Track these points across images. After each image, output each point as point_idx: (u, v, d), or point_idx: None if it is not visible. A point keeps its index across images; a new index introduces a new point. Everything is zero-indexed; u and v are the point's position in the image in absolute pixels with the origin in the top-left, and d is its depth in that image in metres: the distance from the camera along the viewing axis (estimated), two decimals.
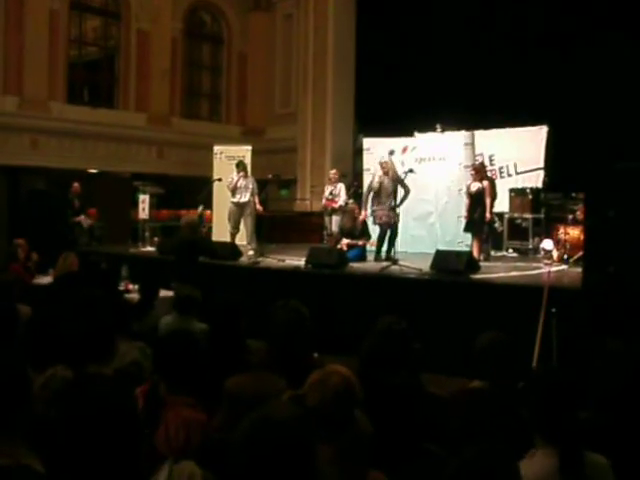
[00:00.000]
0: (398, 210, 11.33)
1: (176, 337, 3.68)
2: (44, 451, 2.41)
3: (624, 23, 13.28)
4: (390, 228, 11.41)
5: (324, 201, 12.99)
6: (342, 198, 12.67)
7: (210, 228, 15.20)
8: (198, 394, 3.33)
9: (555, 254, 11.13)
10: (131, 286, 9.20)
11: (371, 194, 11.66)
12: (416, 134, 13.88)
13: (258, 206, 12.65)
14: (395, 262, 9.87)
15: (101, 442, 2.16)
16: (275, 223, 16.76)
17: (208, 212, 15.06)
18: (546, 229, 12.52)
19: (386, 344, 3.84)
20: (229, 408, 2.99)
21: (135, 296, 7.94)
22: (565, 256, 10.92)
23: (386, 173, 11.48)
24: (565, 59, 13.92)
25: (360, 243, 11.85)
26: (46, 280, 9.15)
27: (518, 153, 13.82)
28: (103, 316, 4.05)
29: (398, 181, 11.38)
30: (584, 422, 3.17)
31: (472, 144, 13.22)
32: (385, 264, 9.79)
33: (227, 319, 4.69)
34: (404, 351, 3.90)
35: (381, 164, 11.69)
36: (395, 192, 11.44)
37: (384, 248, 11.48)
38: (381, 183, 11.46)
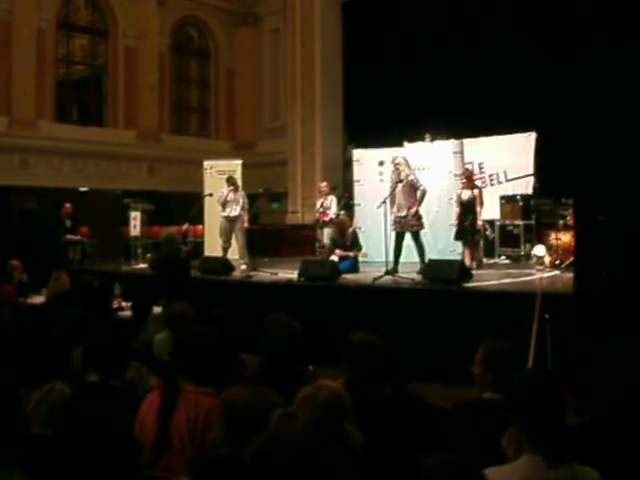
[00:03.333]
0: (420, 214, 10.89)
1: (198, 328, 3.76)
2: (35, 468, 2.39)
3: (610, 29, 13.38)
4: (412, 235, 10.92)
5: (316, 214, 12.98)
6: (333, 210, 12.67)
7: (196, 244, 15.21)
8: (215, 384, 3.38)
9: (547, 260, 11.15)
10: (124, 304, 9.19)
11: (389, 199, 10.67)
12: (405, 144, 13.89)
13: (246, 223, 12.63)
14: (388, 272, 9.86)
15: (96, 460, 2.15)
16: (267, 236, 16.78)
17: (194, 227, 15.09)
18: (537, 235, 12.54)
19: (363, 359, 3.83)
20: (226, 419, 2.99)
21: (128, 313, 7.94)
22: (557, 262, 10.94)
23: (398, 175, 10.89)
24: (552, 66, 14.00)
25: (352, 255, 11.83)
26: (39, 300, 9.14)
27: (508, 160, 13.87)
28: (97, 333, 4.04)
29: (411, 182, 10.83)
30: (578, 428, 3.18)
31: (461, 153, 13.25)
32: (378, 275, 9.77)
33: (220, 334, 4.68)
34: (383, 363, 3.88)
35: (394, 164, 11.12)
36: (411, 193, 10.84)
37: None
38: (396, 184, 10.83)
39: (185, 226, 12.93)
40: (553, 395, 2.82)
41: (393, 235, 10.85)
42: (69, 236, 14.87)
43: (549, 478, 2.63)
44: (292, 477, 1.96)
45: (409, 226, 10.81)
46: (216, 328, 3.73)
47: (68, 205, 15.13)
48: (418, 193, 10.80)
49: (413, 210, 10.77)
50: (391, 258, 10.52)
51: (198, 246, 15.44)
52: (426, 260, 10.61)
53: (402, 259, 10.92)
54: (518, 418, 2.77)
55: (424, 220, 11.11)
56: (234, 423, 2.93)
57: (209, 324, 3.83)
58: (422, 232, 11.10)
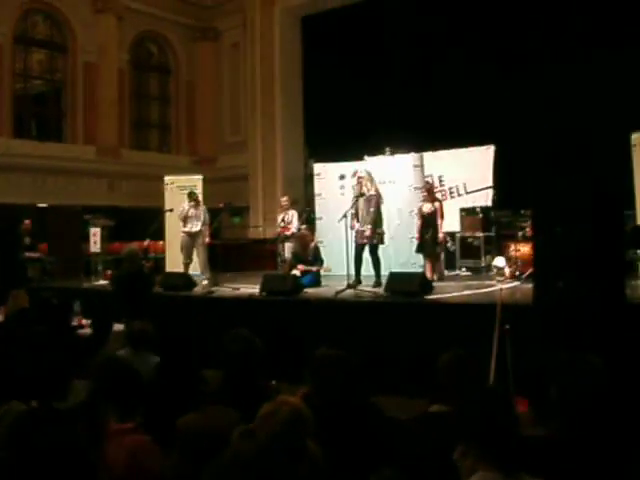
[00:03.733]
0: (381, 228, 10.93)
1: (113, 364, 3.64)
2: None
3: (564, 39, 13.61)
4: (370, 248, 10.90)
5: (278, 228, 12.98)
6: (294, 225, 12.69)
7: (157, 260, 15.13)
8: (143, 419, 3.31)
9: (507, 271, 11.26)
10: (84, 321, 9.07)
11: (350, 212, 10.69)
12: (366, 158, 13.95)
13: (207, 238, 12.60)
14: (350, 286, 9.88)
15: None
16: (229, 251, 16.68)
17: (155, 243, 15.01)
18: (497, 247, 12.68)
19: (327, 373, 3.84)
20: (181, 448, 2.96)
21: (88, 331, 7.85)
22: (517, 273, 11.05)
23: (360, 188, 10.90)
24: (508, 79, 14.18)
25: (314, 269, 11.83)
26: None
27: (467, 173, 14.02)
28: (55, 353, 4.00)
29: (369, 197, 10.84)
30: (536, 439, 3.20)
31: (421, 166, 13.34)
32: (340, 288, 9.79)
33: (179, 350, 4.66)
34: (346, 377, 3.89)
35: (357, 178, 11.17)
36: (374, 208, 10.83)
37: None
38: (357, 199, 10.86)
39: (146, 242, 12.84)
40: (503, 409, 2.83)
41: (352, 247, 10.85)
42: (28, 253, 14.69)
43: None
44: None
45: (368, 239, 10.83)
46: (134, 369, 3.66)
47: (27, 222, 14.96)
48: (371, 209, 10.78)
49: (370, 226, 10.78)
50: (353, 271, 10.54)
51: (159, 262, 15.35)
52: (381, 275, 10.67)
53: (364, 272, 10.95)
54: (469, 434, 2.77)
55: (385, 234, 11.16)
56: (188, 450, 2.90)
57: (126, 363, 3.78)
58: (383, 246, 11.14)
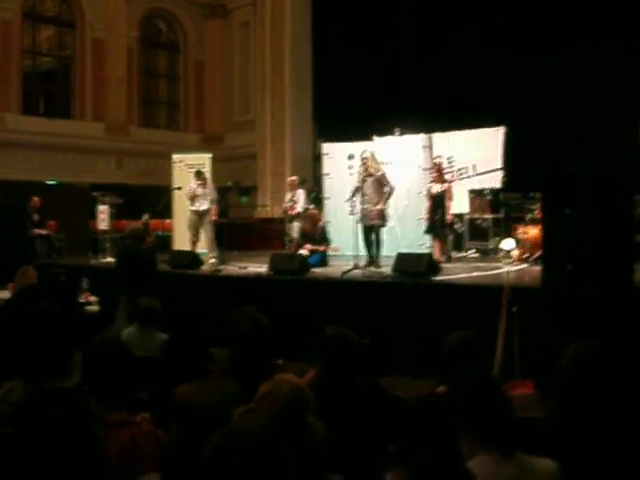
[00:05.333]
0: (386, 209, 10.94)
1: (107, 346, 3.56)
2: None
3: (580, 24, 13.48)
4: (376, 228, 10.91)
5: (284, 206, 12.95)
6: (301, 204, 12.63)
7: (163, 237, 15.15)
8: (133, 405, 3.28)
9: (515, 253, 11.22)
10: (92, 298, 9.11)
11: (357, 193, 10.74)
12: (375, 138, 13.90)
13: (213, 216, 12.58)
14: (357, 266, 9.88)
15: (57, 458, 2.13)
16: (236, 230, 16.71)
17: (161, 221, 15.02)
18: (506, 229, 12.61)
19: (335, 352, 3.85)
20: (178, 418, 2.95)
21: (96, 308, 7.88)
22: (525, 255, 11.02)
23: (366, 169, 10.84)
24: (521, 60, 14.07)
25: (321, 249, 11.81)
26: (5, 295, 9.02)
27: (477, 154, 13.93)
28: (59, 331, 3.99)
29: (380, 178, 10.84)
30: (542, 421, 3.20)
31: (430, 147, 13.30)
32: (347, 268, 9.78)
33: (187, 328, 4.67)
34: (354, 356, 3.90)
35: (362, 159, 11.03)
36: (379, 189, 10.83)
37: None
38: (363, 180, 10.80)
39: (144, 218, 12.72)
40: (489, 392, 2.84)
41: (360, 228, 10.81)
42: (37, 230, 14.70)
43: (506, 474, 2.64)
44: (253, 472, 1.95)
45: (371, 220, 10.81)
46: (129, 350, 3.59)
47: (36, 199, 14.96)
48: (386, 189, 10.81)
49: (379, 207, 10.77)
50: (362, 252, 10.53)
51: (167, 240, 15.36)
52: (380, 255, 10.70)
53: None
54: (463, 418, 2.78)
55: (392, 215, 11.15)
56: (185, 420, 2.89)
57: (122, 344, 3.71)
58: (388, 227, 11.15)
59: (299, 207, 12.61)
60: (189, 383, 3.11)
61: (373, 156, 11.06)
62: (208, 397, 2.89)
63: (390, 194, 10.87)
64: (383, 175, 10.87)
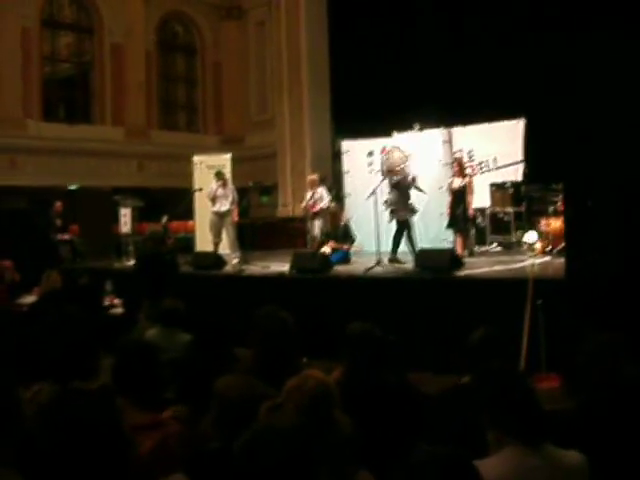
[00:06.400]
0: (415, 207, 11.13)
1: (138, 348, 3.60)
2: (29, 468, 2.39)
3: (598, 13, 13.35)
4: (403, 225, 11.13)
5: (304, 203, 12.95)
6: (325, 200, 12.63)
7: (186, 239, 15.22)
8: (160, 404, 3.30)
9: (538, 246, 11.16)
10: (116, 300, 9.17)
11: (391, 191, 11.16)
12: (394, 134, 13.89)
13: (235, 217, 12.60)
14: (379, 263, 9.87)
15: (86, 458, 2.14)
16: (258, 230, 16.76)
17: (184, 223, 15.08)
18: (528, 222, 12.55)
19: (363, 348, 3.85)
20: (219, 408, 2.98)
21: (120, 310, 7.93)
22: (548, 247, 10.96)
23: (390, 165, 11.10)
24: (540, 51, 13.95)
25: (345, 247, 11.81)
26: (30, 299, 9.11)
27: (497, 147, 13.85)
28: (85, 333, 4.02)
29: (402, 175, 11.01)
30: (568, 413, 3.18)
31: (450, 141, 13.27)
32: (369, 265, 9.77)
33: (211, 328, 4.69)
34: (381, 352, 3.91)
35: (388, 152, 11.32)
36: (405, 187, 11.07)
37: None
38: (391, 179, 11.04)
39: (164, 220, 12.77)
40: (518, 383, 2.82)
41: (386, 224, 10.84)
42: (60, 235, 14.81)
43: (533, 466, 2.62)
44: (282, 468, 1.96)
45: (398, 214, 10.87)
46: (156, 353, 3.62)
47: (59, 204, 15.07)
48: (409, 179, 10.87)
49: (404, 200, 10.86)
50: (387, 248, 10.54)
51: (189, 241, 15.43)
52: (415, 248, 10.73)
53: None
54: (489, 410, 2.76)
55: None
56: (227, 411, 2.92)
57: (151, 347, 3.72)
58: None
59: (323, 203, 12.60)
60: (228, 376, 3.13)
61: (395, 156, 11.16)
62: (249, 390, 2.92)
63: (414, 181, 10.93)
64: (404, 169, 10.93)
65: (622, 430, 3.00)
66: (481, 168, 14.01)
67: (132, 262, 13.47)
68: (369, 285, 9.26)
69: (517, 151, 13.63)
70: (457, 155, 12.69)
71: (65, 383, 3.59)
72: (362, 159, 13.85)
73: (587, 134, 11.96)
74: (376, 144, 13.66)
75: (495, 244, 12.94)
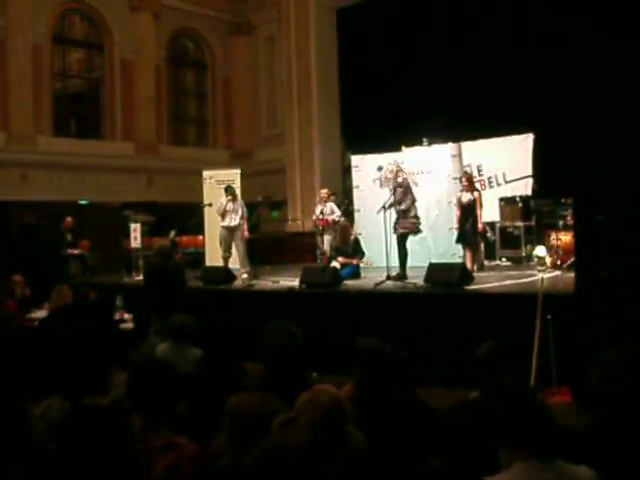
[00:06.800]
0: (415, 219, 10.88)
1: (153, 366, 3.58)
2: None
3: (607, 27, 13.36)
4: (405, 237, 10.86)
5: (313, 217, 12.96)
6: (336, 214, 12.64)
7: (196, 254, 15.25)
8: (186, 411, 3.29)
9: (548, 260, 11.13)
10: (126, 315, 9.19)
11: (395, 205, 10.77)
12: (403, 149, 13.91)
13: (245, 232, 12.62)
14: (389, 277, 9.86)
15: (97, 473, 2.15)
16: (268, 245, 16.77)
17: (194, 237, 15.11)
18: (538, 236, 12.53)
19: (373, 364, 3.85)
20: (232, 426, 2.98)
21: (130, 325, 7.94)
22: (558, 262, 10.93)
23: (395, 179, 10.97)
24: (548, 67, 13.98)
25: (354, 262, 11.81)
26: (41, 314, 9.14)
27: (506, 162, 13.84)
28: (95, 348, 4.03)
29: (403, 186, 10.84)
30: (579, 428, 3.17)
31: (459, 156, 13.27)
32: (379, 280, 9.76)
33: (221, 343, 4.69)
34: (392, 367, 3.91)
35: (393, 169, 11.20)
36: (405, 199, 10.77)
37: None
38: (395, 189, 10.81)
39: (171, 235, 12.79)
40: (528, 398, 2.81)
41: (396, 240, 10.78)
42: (70, 250, 14.86)
43: None
44: None
45: (411, 227, 10.80)
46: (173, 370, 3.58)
47: (69, 219, 15.13)
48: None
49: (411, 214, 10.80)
50: (395, 263, 10.49)
51: (199, 256, 15.46)
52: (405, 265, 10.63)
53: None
54: (500, 425, 2.75)
55: (424, 225, 11.11)
56: (240, 428, 2.93)
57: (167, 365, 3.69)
58: (422, 235, 11.12)
59: (335, 216, 12.60)
60: (240, 393, 3.14)
61: (400, 166, 11.15)
62: (262, 406, 2.93)
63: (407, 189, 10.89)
64: (405, 181, 10.92)
65: (635, 446, 2.98)
66: (490, 183, 14.01)
67: (142, 277, 13.53)
68: (379, 300, 9.24)
69: (526, 166, 13.62)
70: (467, 170, 12.69)
71: (75, 399, 3.60)
72: (371, 174, 13.84)
73: (596, 148, 11.99)
74: (385, 159, 13.66)
75: (505, 259, 12.92)
